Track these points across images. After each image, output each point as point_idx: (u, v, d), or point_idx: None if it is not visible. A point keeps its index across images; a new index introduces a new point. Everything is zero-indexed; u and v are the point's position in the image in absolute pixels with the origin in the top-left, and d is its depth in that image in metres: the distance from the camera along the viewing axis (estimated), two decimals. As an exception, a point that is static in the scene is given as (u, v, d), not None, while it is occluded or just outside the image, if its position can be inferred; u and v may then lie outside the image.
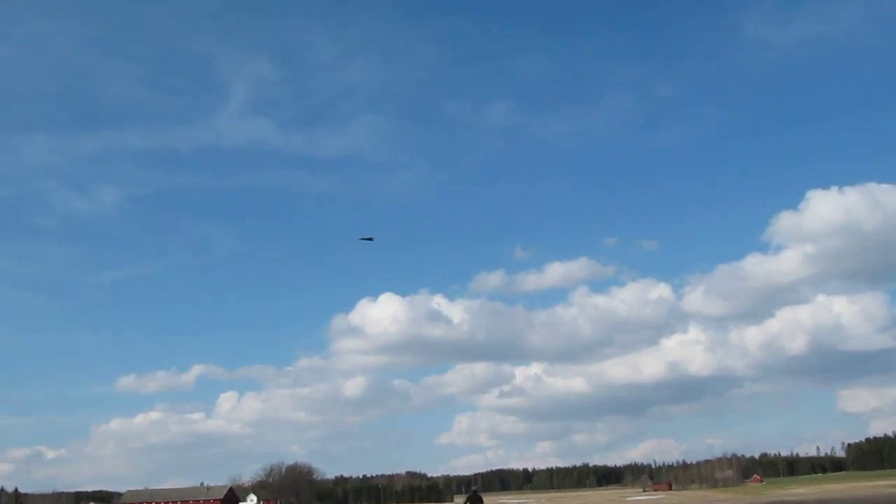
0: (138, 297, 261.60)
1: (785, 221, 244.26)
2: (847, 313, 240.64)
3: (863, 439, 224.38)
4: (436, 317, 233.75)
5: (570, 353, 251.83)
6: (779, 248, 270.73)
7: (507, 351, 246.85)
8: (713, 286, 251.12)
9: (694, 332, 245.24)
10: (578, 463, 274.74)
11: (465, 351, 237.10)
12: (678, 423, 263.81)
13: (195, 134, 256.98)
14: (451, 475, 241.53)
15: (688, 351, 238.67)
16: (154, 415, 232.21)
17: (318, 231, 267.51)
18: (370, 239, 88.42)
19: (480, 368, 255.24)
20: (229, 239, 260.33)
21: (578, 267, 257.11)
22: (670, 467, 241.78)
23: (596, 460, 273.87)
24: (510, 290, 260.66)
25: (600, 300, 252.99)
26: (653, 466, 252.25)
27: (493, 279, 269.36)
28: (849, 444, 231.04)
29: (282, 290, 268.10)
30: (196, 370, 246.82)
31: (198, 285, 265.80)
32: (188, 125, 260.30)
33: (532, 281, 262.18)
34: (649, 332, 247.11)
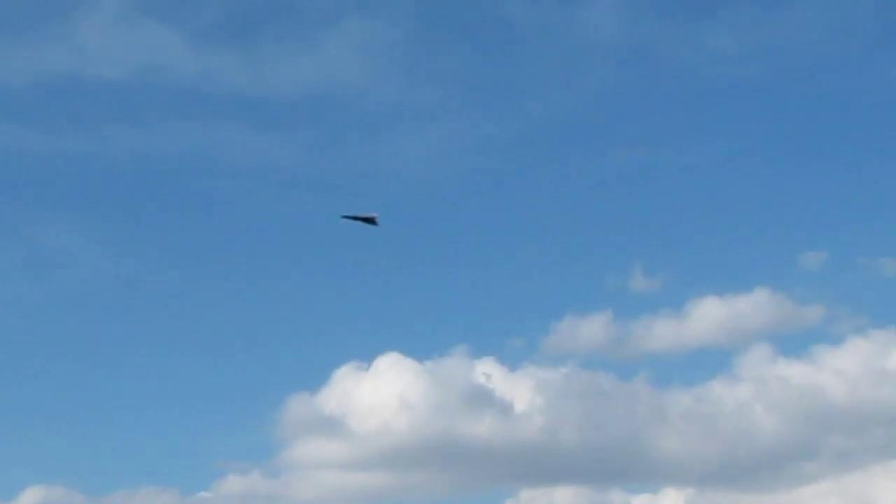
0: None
1: None
2: None
3: None
4: (482, 399, 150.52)
5: (738, 470, 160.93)
6: None
7: (616, 466, 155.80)
8: None
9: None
10: None
11: (539, 465, 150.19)
12: None
13: (40, 54, 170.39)
14: None
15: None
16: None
17: (265, 237, 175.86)
18: (369, 220, 64.69)
19: (566, 498, 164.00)
20: (95, 249, 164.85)
21: (752, 307, 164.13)
22: None
23: None
24: (622, 351, 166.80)
25: (795, 371, 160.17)
26: None
27: (591, 330, 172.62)
28: None
29: (194, 348, 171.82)
30: (33, 497, 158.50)
31: (34, 338, 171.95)
32: (26, 39, 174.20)
33: (664, 333, 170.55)
34: (889, 431, 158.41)
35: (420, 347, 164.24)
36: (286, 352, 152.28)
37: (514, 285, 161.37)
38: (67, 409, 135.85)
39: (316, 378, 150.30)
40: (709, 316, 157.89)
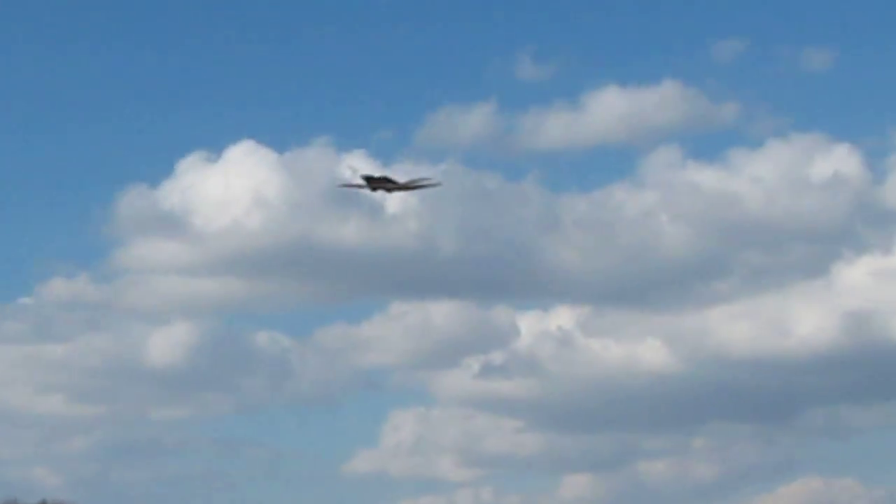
0: None
1: None
2: None
3: None
4: (348, 198, 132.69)
5: (640, 287, 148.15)
6: None
7: (501, 278, 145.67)
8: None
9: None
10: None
11: (412, 275, 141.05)
12: (869, 440, 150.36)
13: None
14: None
15: (891, 290, 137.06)
16: None
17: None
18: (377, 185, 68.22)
19: (444, 313, 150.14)
20: None
21: (659, 101, 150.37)
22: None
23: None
24: (510, 148, 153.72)
25: (707, 176, 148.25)
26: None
27: (472, 122, 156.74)
28: None
29: (10, 118, 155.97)
30: None
31: None
32: None
33: (557, 128, 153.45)
34: (809, 248, 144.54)
35: (278, 136, 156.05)
36: (122, 136, 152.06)
37: (382, 69, 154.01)
38: None
39: (156, 168, 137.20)
40: (609, 110, 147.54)
